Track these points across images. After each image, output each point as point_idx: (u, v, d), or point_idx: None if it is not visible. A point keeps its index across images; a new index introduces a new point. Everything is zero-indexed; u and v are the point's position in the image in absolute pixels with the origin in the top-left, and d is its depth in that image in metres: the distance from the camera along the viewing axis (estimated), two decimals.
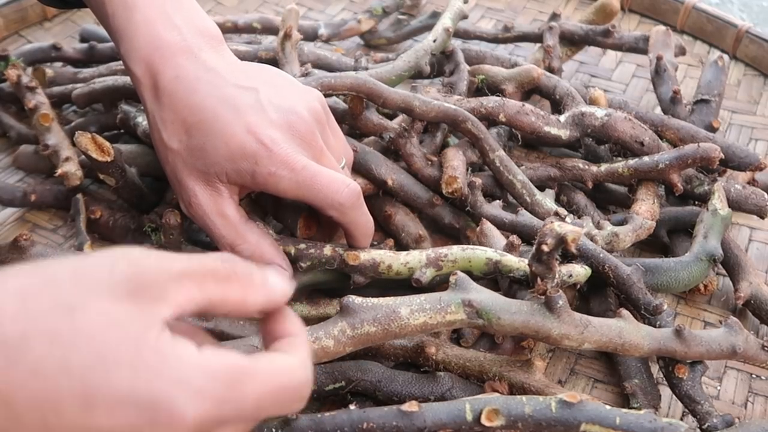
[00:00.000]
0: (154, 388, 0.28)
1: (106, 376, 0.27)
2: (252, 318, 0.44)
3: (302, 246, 0.51)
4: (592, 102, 0.67)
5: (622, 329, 0.46)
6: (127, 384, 0.28)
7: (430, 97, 0.59)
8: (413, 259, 0.51)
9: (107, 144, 0.53)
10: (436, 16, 0.78)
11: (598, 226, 0.57)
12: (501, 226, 0.56)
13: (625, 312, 0.48)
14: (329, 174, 0.48)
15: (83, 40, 0.78)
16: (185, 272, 0.31)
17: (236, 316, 0.37)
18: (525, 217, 0.56)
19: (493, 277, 0.52)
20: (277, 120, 0.48)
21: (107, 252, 0.31)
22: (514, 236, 0.52)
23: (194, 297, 0.31)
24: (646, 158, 0.60)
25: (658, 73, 0.70)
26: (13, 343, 0.27)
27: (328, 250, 0.51)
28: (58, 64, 0.74)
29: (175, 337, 0.30)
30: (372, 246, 0.52)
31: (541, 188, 0.62)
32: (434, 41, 0.68)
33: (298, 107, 0.49)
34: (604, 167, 0.61)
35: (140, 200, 0.59)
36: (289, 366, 0.33)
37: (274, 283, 0.35)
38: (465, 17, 0.73)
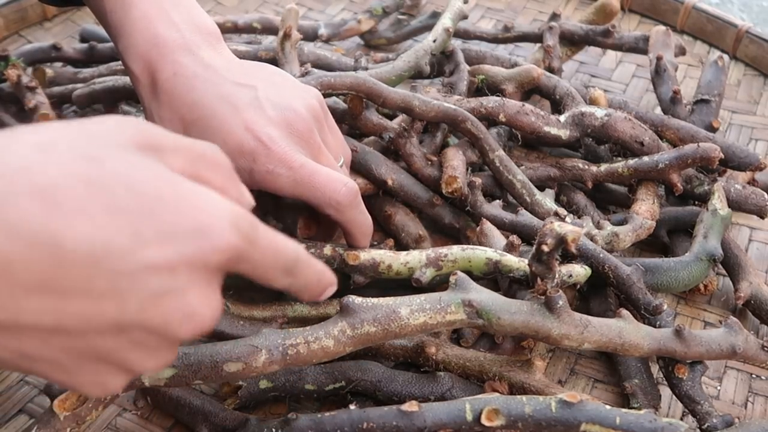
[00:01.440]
0: (197, 220, 0.30)
1: (152, 212, 0.29)
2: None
3: (302, 246, 0.51)
4: (592, 102, 0.67)
5: (622, 329, 0.46)
6: (173, 218, 0.29)
7: (430, 97, 0.59)
8: (413, 259, 0.51)
9: None
10: (436, 16, 0.78)
11: (598, 226, 0.57)
12: (501, 226, 0.56)
13: (625, 312, 0.48)
14: (327, 172, 0.48)
15: (83, 40, 0.78)
16: (180, 145, 0.33)
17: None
18: (525, 217, 0.56)
19: (493, 277, 0.52)
20: (275, 118, 0.48)
21: (106, 118, 0.32)
22: (514, 236, 0.52)
23: (186, 169, 0.32)
24: (646, 158, 0.60)
25: (658, 73, 0.70)
26: (49, 189, 0.27)
27: (328, 249, 0.51)
28: (58, 64, 0.74)
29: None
30: (372, 246, 0.52)
31: (541, 188, 0.62)
32: (434, 41, 0.68)
33: (296, 105, 0.49)
34: (604, 167, 0.61)
35: None
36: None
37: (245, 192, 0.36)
38: (465, 17, 0.73)
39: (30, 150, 0.28)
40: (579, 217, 0.59)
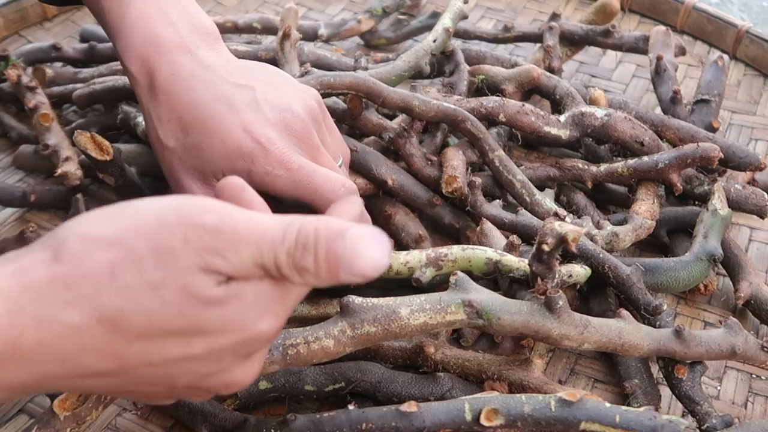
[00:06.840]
0: (240, 317, 0.34)
1: (197, 320, 0.33)
2: None
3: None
4: (592, 102, 0.67)
5: (621, 329, 0.46)
6: (213, 322, 0.33)
7: (430, 97, 0.59)
8: (413, 259, 0.51)
9: (106, 143, 0.53)
10: (436, 16, 0.78)
11: (598, 226, 0.57)
12: (501, 226, 0.56)
13: (624, 312, 0.48)
14: (325, 173, 0.48)
15: (83, 40, 0.78)
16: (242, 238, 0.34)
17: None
18: (525, 217, 0.56)
19: (493, 277, 0.52)
20: (274, 118, 0.48)
21: (169, 208, 0.33)
22: (514, 236, 0.52)
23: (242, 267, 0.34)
24: (645, 158, 0.60)
25: (658, 73, 0.70)
26: (116, 318, 0.32)
27: None
28: (58, 64, 0.74)
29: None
30: None
31: (541, 188, 0.62)
32: (434, 41, 0.68)
33: (295, 105, 0.49)
34: (603, 167, 0.61)
35: None
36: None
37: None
38: (465, 17, 0.73)
39: (102, 269, 0.31)
40: (579, 217, 0.59)
